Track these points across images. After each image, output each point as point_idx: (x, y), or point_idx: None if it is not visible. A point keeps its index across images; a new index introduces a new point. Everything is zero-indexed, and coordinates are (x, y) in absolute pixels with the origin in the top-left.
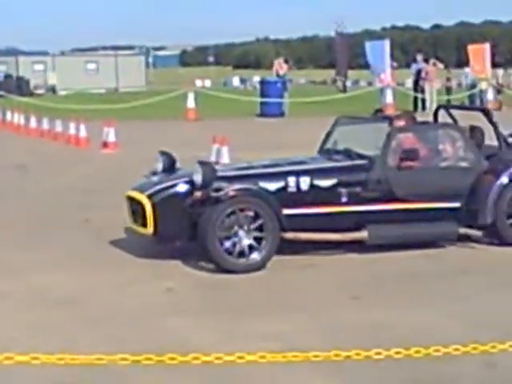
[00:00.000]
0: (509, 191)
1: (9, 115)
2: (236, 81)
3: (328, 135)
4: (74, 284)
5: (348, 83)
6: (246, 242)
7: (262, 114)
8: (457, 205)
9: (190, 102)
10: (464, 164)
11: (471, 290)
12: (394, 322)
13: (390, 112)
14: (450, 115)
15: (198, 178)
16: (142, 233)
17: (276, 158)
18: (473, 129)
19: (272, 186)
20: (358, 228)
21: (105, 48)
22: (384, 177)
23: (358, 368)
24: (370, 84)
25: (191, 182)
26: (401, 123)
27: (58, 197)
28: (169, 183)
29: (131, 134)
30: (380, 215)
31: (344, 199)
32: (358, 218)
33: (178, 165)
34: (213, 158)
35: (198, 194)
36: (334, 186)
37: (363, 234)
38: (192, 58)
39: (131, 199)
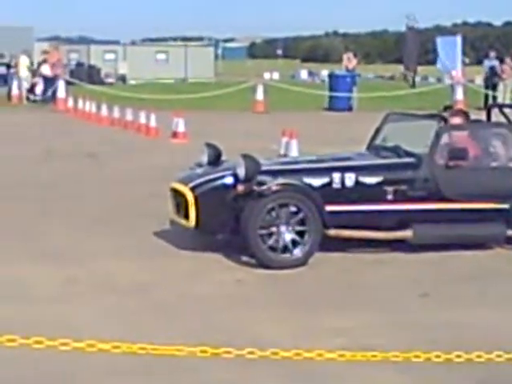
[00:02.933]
0: None
1: (80, 103)
2: (304, 74)
3: (377, 131)
4: (146, 272)
5: (417, 79)
6: (289, 236)
7: (331, 108)
8: (506, 206)
9: (259, 95)
10: (510, 164)
11: None
12: (465, 321)
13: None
14: (504, 114)
15: (241, 172)
16: (185, 225)
17: (322, 153)
18: None
19: (316, 181)
20: (402, 227)
21: (175, 39)
22: (432, 175)
23: (436, 369)
24: (439, 80)
25: (235, 175)
26: (453, 121)
27: (127, 185)
28: (212, 176)
29: (200, 124)
30: (426, 214)
31: (390, 197)
32: (404, 217)
33: (223, 157)
34: (282, 151)
35: (240, 187)
36: (380, 184)
37: (408, 233)
38: (261, 50)
39: (175, 191)
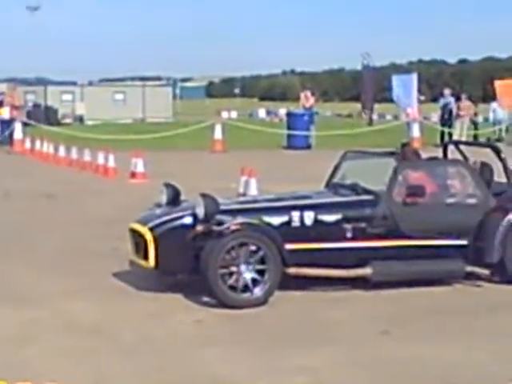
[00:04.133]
0: None
1: (38, 144)
2: (262, 112)
3: (335, 169)
4: (105, 313)
5: (374, 116)
6: (249, 275)
7: (289, 146)
8: (464, 242)
9: (218, 133)
10: (472, 201)
11: (498, 327)
12: (426, 358)
13: (415, 146)
14: (460, 151)
15: (200, 211)
16: (144, 265)
17: (281, 192)
18: (482, 165)
19: (276, 220)
20: (362, 264)
21: (132, 79)
22: (390, 212)
23: None
24: (395, 118)
25: (194, 215)
26: (407, 158)
27: (85, 226)
28: (171, 216)
29: (159, 164)
30: (385, 251)
31: (349, 234)
32: (363, 254)
33: (182, 197)
34: (241, 190)
35: (200, 227)
36: (339, 222)
37: (367, 271)
38: (218, 89)
39: (134, 231)
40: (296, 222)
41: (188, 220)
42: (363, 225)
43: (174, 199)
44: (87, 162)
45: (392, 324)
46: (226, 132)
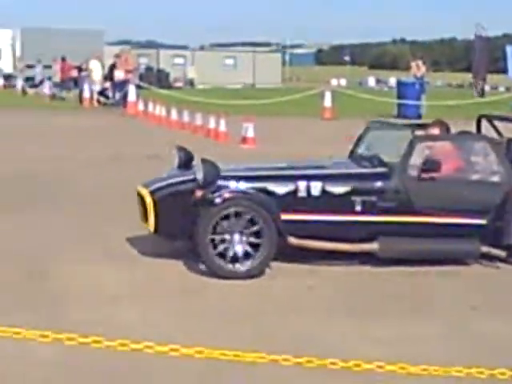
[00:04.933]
0: None
1: (150, 107)
2: (372, 81)
3: (359, 139)
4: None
5: (486, 88)
6: (239, 248)
7: (399, 116)
8: (481, 221)
9: (327, 101)
10: (493, 179)
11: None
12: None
13: None
14: (493, 126)
15: (199, 177)
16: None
17: (293, 160)
18: (509, 142)
19: (281, 189)
20: (369, 239)
21: (243, 44)
22: (403, 187)
23: None
24: (507, 89)
25: (194, 180)
26: (431, 131)
27: None
28: (173, 180)
29: (269, 130)
30: (395, 227)
31: (358, 208)
32: (372, 229)
33: (195, 162)
34: None
35: (199, 193)
36: (348, 194)
37: (374, 246)
38: (328, 56)
39: (138, 194)
40: (302, 192)
41: (188, 185)
42: (374, 198)
43: (186, 163)
44: (199, 126)
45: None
46: (335, 100)
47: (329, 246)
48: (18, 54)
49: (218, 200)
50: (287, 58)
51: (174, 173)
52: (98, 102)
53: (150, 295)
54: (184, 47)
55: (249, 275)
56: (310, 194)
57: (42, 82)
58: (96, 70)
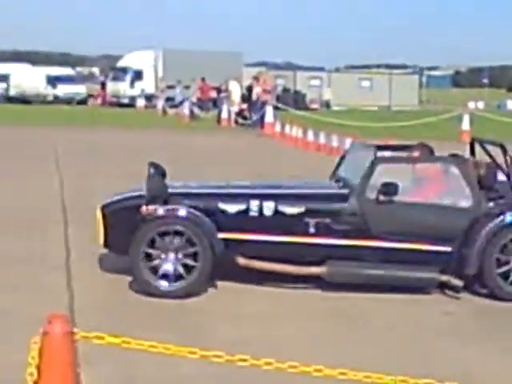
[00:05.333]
0: (502, 237)
1: (287, 128)
2: (511, 104)
3: (341, 160)
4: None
5: None
6: (170, 266)
7: None
8: (445, 249)
9: (465, 124)
10: (460, 204)
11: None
12: None
13: None
14: (484, 149)
15: (145, 193)
16: None
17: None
18: (487, 166)
19: (232, 207)
20: (319, 262)
21: (378, 66)
22: (360, 209)
23: None
24: None
25: (142, 197)
26: (413, 154)
27: None
28: (124, 196)
29: None
30: (350, 251)
31: (311, 230)
32: (325, 252)
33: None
34: None
35: (144, 209)
36: (301, 215)
37: (322, 270)
38: (465, 79)
39: None
40: (254, 212)
41: (136, 201)
42: (328, 220)
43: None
44: (334, 148)
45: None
46: (473, 123)
47: (276, 268)
48: (159, 74)
49: (148, 218)
50: (424, 80)
51: (134, 188)
52: (236, 122)
53: (294, 317)
54: (320, 69)
55: (174, 295)
56: (262, 213)
57: (181, 103)
58: (235, 91)
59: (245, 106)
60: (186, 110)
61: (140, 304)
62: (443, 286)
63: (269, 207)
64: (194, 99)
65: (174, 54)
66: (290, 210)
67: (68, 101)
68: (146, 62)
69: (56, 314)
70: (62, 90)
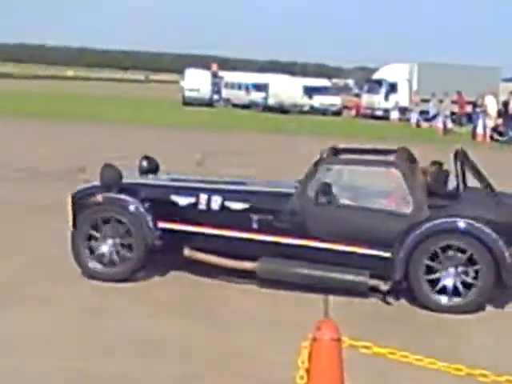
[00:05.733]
0: (431, 244)
1: None
2: None
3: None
4: None
5: None
6: (105, 248)
7: None
8: (382, 254)
9: None
10: (399, 209)
11: None
12: None
13: None
14: (467, 157)
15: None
16: None
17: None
18: (437, 172)
19: (183, 200)
20: (254, 258)
21: None
22: (300, 209)
23: None
24: None
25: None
26: (388, 158)
27: None
28: (92, 184)
29: None
30: (288, 249)
31: (254, 226)
32: (265, 249)
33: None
34: None
35: (98, 196)
36: (246, 211)
37: (254, 265)
38: None
39: None
40: (202, 205)
41: (94, 189)
42: (270, 218)
43: (148, 170)
44: None
45: None
46: None
47: (215, 261)
48: (414, 87)
49: (90, 203)
50: None
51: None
52: (491, 138)
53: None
54: None
55: (110, 279)
56: (210, 207)
57: (435, 116)
58: (491, 106)
59: (500, 121)
60: (439, 123)
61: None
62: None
63: (216, 201)
64: (448, 113)
65: (429, 67)
66: (235, 205)
67: (323, 111)
68: (400, 74)
69: (325, 321)
70: (318, 100)
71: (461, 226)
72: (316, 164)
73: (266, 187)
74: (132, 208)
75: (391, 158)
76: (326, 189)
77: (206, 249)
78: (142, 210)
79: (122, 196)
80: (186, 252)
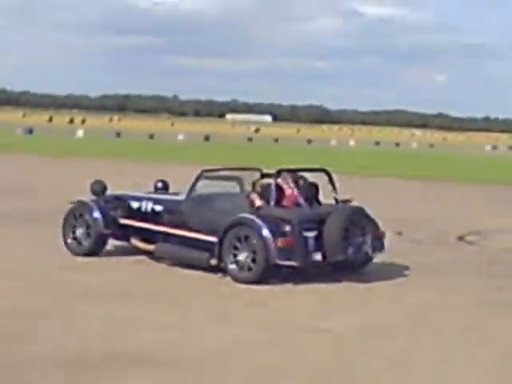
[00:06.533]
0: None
1: None
2: None
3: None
4: None
5: None
6: (80, 236)
7: None
8: (213, 239)
9: None
10: (235, 210)
11: None
12: None
13: None
14: (330, 179)
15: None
16: None
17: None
18: (265, 186)
19: (135, 205)
20: (154, 243)
21: None
22: (184, 209)
23: None
24: None
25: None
26: (270, 180)
27: None
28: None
29: None
30: (175, 237)
31: (164, 221)
32: (168, 237)
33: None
34: None
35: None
36: (161, 211)
37: (153, 247)
38: None
39: None
40: (142, 208)
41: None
42: (171, 216)
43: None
44: None
45: None
46: None
47: (140, 246)
48: None
49: (71, 205)
50: None
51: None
52: None
53: None
54: None
55: (79, 253)
56: (146, 209)
57: None
58: None
59: None
60: None
61: None
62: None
63: (148, 206)
64: None
65: None
66: (157, 207)
67: None
68: None
69: None
70: None
71: (248, 221)
72: (196, 177)
73: (174, 196)
74: (91, 207)
75: (240, 174)
76: (196, 195)
77: (143, 239)
78: (98, 210)
79: (89, 200)
80: (132, 241)
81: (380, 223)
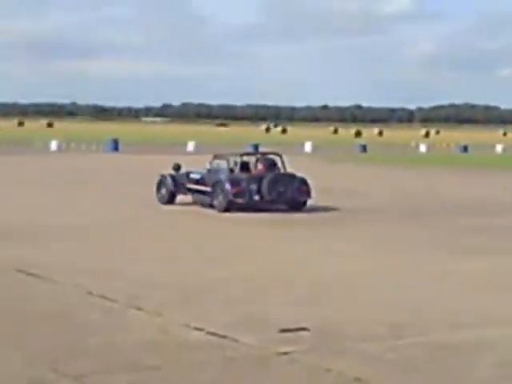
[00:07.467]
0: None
1: None
2: None
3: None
4: None
5: None
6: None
7: None
8: (208, 189)
9: None
10: (220, 175)
11: None
12: None
13: None
14: (282, 161)
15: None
16: None
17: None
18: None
19: (192, 175)
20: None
21: None
22: (205, 177)
23: None
24: None
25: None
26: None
27: None
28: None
29: None
30: (200, 192)
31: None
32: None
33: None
34: None
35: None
36: (198, 179)
37: (192, 197)
38: None
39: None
40: (194, 177)
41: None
42: (200, 180)
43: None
44: None
45: None
46: None
47: (192, 197)
48: None
49: (159, 177)
50: None
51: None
52: None
53: None
54: None
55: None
56: (195, 178)
57: None
58: None
59: None
60: None
61: None
62: None
63: (196, 176)
64: None
65: None
66: (197, 177)
67: None
68: None
69: None
70: None
71: (222, 180)
72: (211, 160)
73: (202, 171)
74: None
75: (229, 155)
76: (208, 170)
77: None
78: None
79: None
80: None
81: None
